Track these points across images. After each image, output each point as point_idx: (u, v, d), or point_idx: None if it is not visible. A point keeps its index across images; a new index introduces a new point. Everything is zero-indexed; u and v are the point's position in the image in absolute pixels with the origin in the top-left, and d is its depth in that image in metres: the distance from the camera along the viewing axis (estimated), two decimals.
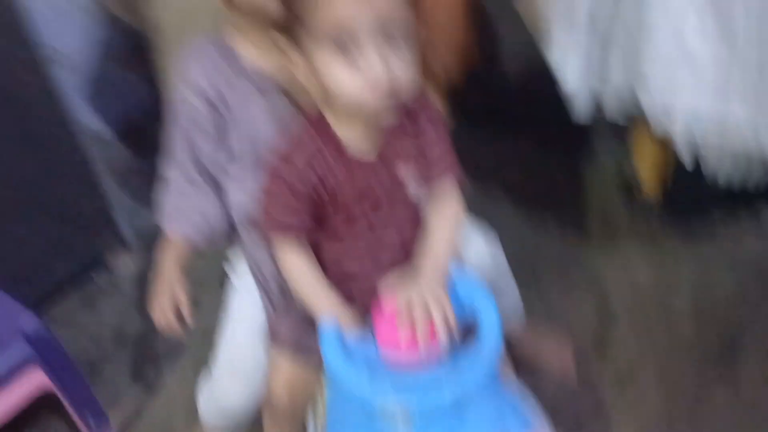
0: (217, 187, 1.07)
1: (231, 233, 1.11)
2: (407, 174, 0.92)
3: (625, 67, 1.47)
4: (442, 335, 0.81)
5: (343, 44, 0.76)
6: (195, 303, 1.13)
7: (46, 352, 1.32)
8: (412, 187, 0.93)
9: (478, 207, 1.17)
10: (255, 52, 1.00)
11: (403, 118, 0.91)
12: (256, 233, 0.98)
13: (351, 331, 0.87)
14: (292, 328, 1.00)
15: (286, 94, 0.99)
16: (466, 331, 0.87)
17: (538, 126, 2.21)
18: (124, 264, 2.01)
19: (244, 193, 1.04)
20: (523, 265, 1.37)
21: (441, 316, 0.82)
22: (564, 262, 1.80)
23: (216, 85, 0.99)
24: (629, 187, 1.93)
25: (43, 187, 1.74)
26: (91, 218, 1.87)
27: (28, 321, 1.31)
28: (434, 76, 2.10)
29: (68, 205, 1.80)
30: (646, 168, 1.83)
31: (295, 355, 1.00)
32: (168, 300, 1.09)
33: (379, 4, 0.75)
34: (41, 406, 1.56)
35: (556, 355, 1.46)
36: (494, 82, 2.23)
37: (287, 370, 1.01)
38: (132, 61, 2.29)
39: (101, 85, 2.28)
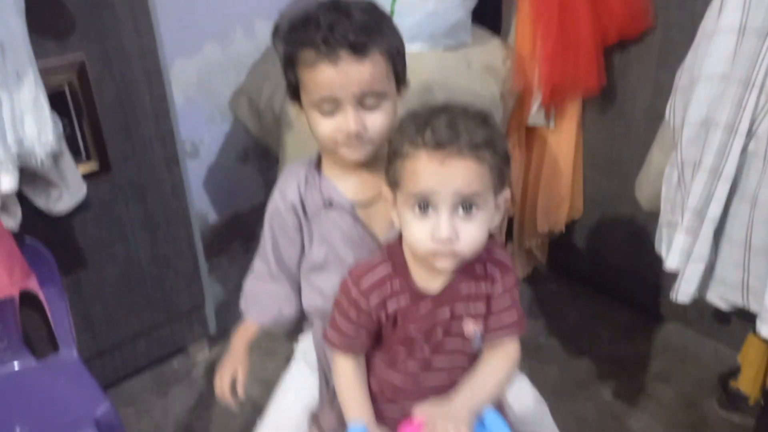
0: (295, 285, 1.20)
1: (303, 323, 1.26)
2: (467, 314, 1.00)
3: (735, 262, 1.42)
4: None
5: (423, 206, 0.90)
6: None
7: None
8: (470, 328, 1.00)
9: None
10: (345, 184, 1.12)
11: (475, 264, 0.99)
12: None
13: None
14: (332, 420, 1.10)
15: (361, 221, 1.12)
16: None
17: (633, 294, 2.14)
18: (204, 354, 2.07)
19: (320, 297, 1.16)
20: None
21: None
22: None
23: (303, 200, 1.13)
24: (725, 383, 1.80)
25: (150, 271, 1.84)
26: (185, 307, 1.95)
27: (103, 408, 1.36)
28: (535, 232, 2.12)
29: (168, 292, 1.90)
30: (750, 368, 1.70)
31: None
32: (228, 372, 1.22)
33: (457, 183, 0.88)
34: None
35: None
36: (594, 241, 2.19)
37: None
38: (252, 162, 2.47)
39: (223, 179, 2.45)
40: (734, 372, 1.79)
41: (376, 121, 0.99)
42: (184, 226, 1.88)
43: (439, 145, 0.87)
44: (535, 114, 1.95)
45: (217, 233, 2.51)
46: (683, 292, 1.48)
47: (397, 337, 1.00)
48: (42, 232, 1.59)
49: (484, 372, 1.00)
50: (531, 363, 1.98)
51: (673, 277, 1.50)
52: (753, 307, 1.43)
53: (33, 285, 1.57)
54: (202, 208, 2.44)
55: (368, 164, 1.09)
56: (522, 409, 1.24)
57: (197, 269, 1.93)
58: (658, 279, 2.02)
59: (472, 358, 1.03)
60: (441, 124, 0.88)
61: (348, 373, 1.03)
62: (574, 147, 2.02)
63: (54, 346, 1.55)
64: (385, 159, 0.96)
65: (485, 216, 0.91)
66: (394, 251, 0.99)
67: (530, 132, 2.06)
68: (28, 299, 1.61)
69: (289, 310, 1.22)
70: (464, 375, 1.01)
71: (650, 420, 1.77)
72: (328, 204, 1.12)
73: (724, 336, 1.95)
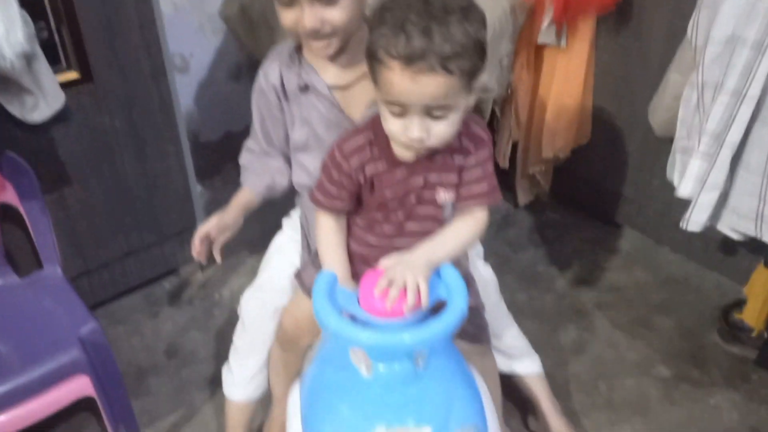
0: (287, 159, 1.30)
1: (291, 195, 1.36)
2: (439, 183, 1.06)
3: (750, 190, 1.35)
4: (410, 299, 0.97)
5: (396, 108, 0.96)
6: None
7: (96, 360, 1.32)
8: (441, 197, 1.07)
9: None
10: (325, 69, 1.19)
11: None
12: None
13: (344, 284, 1.05)
14: (313, 278, 1.15)
15: (338, 104, 1.20)
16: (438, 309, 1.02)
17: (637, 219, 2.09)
18: (196, 277, 2.02)
19: (305, 175, 1.26)
20: None
21: (413, 286, 0.97)
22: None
23: (284, 83, 1.20)
24: (727, 315, 1.78)
25: (138, 189, 1.77)
26: (176, 228, 1.89)
27: (88, 327, 1.31)
28: (540, 159, 2.04)
29: (158, 212, 1.83)
30: (756, 300, 1.67)
31: (308, 299, 1.17)
32: (213, 228, 1.26)
33: (427, 98, 0.93)
34: (78, 405, 1.58)
35: None
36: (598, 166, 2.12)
37: (299, 306, 1.23)
38: (245, 80, 2.35)
39: (215, 97, 2.34)
40: (737, 304, 1.76)
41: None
42: (173, 142, 1.79)
43: (411, 60, 0.89)
44: (545, 31, 1.84)
45: (209, 153, 2.42)
46: (694, 221, 1.42)
47: (374, 201, 1.07)
48: (21, 145, 1.51)
49: (447, 231, 1.08)
50: (529, 291, 1.95)
51: (680, 206, 1.45)
52: (766, 237, 1.38)
53: (11, 197, 1.49)
54: (192, 126, 2.34)
55: (348, 53, 1.15)
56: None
57: (188, 188, 1.86)
58: (663, 208, 1.96)
59: (441, 217, 1.10)
60: (415, 32, 0.89)
61: (328, 231, 1.10)
62: (586, 68, 1.91)
63: (38, 264, 1.50)
64: (364, 47, 0.97)
65: (457, 113, 0.97)
66: (376, 122, 1.04)
67: (540, 51, 1.94)
68: (9, 215, 1.54)
69: (281, 181, 1.31)
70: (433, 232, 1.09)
71: (648, 350, 1.75)
72: (305, 88, 1.19)
73: (728, 268, 1.91)
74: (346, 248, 1.12)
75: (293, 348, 1.29)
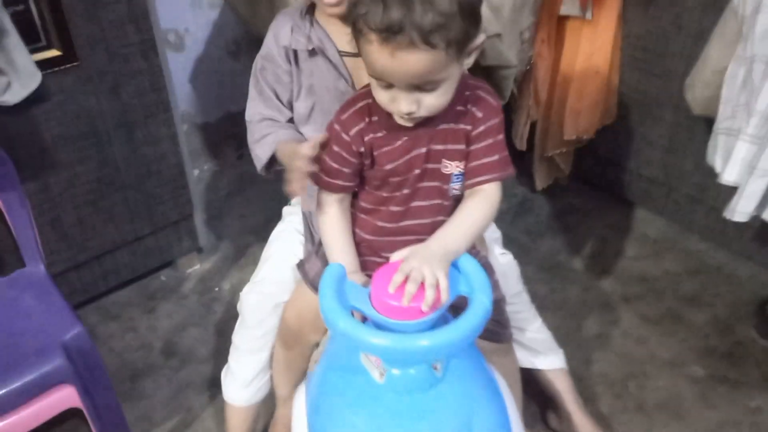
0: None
1: None
2: (445, 153, 0.98)
3: None
4: (428, 296, 0.88)
5: (382, 81, 0.89)
6: None
7: (82, 368, 1.20)
8: (447, 169, 0.99)
9: None
10: (336, 31, 1.10)
11: (456, 103, 0.95)
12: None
13: (352, 277, 0.96)
14: (317, 270, 1.12)
15: (346, 72, 1.12)
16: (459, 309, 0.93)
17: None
18: (194, 268, 1.90)
19: None
20: None
21: (432, 281, 0.88)
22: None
23: (294, 45, 1.12)
24: (765, 309, 1.65)
25: (129, 176, 1.64)
26: (172, 218, 1.76)
27: (73, 332, 1.19)
28: (561, 141, 1.90)
29: (151, 200, 1.70)
30: None
31: (312, 290, 1.11)
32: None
33: (410, 74, 0.85)
34: (66, 412, 1.46)
35: None
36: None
37: (302, 300, 1.15)
38: (243, 56, 2.21)
39: (212, 75, 2.20)
40: None
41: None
42: (166, 125, 1.65)
43: (388, 33, 0.82)
44: (569, 1, 1.69)
45: (206, 136, 2.28)
46: (741, 211, 1.29)
47: (376, 177, 1.00)
48: None
49: (460, 216, 0.98)
50: (550, 283, 1.82)
51: (714, 191, 1.32)
52: None
53: None
54: (188, 108, 2.20)
55: None
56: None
57: (183, 175, 1.73)
58: (695, 192, 1.82)
59: (453, 205, 1.01)
60: (394, 2, 0.81)
61: (332, 217, 1.03)
62: (612, 42, 1.77)
63: (22, 261, 1.38)
64: None
65: (451, 82, 0.89)
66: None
67: (562, 24, 1.79)
68: None
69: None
70: (444, 215, 1.01)
71: (680, 347, 1.62)
72: (317, 51, 1.12)
73: (764, 258, 1.78)
74: (351, 235, 1.04)
75: (297, 346, 1.20)
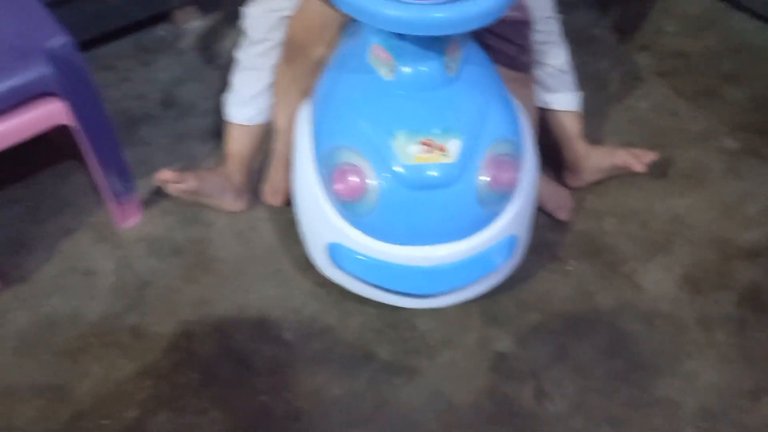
0: None
1: None
2: None
3: None
4: None
5: None
6: None
7: (71, 82, 1.09)
8: None
9: None
10: None
11: None
12: None
13: None
14: None
15: None
16: None
17: None
18: (193, 22, 1.74)
19: None
20: None
21: None
22: None
23: None
24: None
25: None
26: None
27: (58, 41, 1.07)
28: None
29: None
30: None
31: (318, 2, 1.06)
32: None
33: None
34: (63, 152, 1.39)
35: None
36: None
37: (309, 10, 1.09)
38: None
39: None
40: None
41: None
42: None
43: None
44: None
45: None
46: None
47: None
48: None
49: None
50: (582, 56, 1.65)
51: None
52: None
53: None
54: None
55: None
56: None
57: None
58: None
59: None
60: None
61: None
62: None
63: None
64: None
65: None
66: None
67: None
68: None
69: None
70: None
71: (713, 121, 1.52)
72: None
73: None
74: None
75: (301, 59, 1.12)
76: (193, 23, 1.75)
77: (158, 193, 1.34)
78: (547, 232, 1.31)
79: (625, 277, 1.25)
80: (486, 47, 1.09)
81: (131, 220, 1.32)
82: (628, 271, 1.25)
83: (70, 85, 1.08)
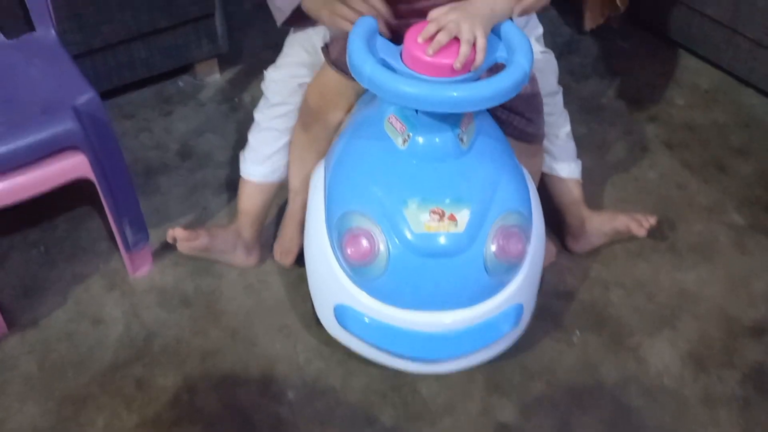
0: None
1: None
2: None
3: None
4: (464, 49, 0.85)
5: None
6: None
7: (94, 136, 1.13)
8: None
9: None
10: None
11: None
12: None
13: (382, 24, 0.93)
14: (339, 49, 1.07)
15: None
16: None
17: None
18: (213, 75, 1.80)
19: None
20: None
21: (469, 36, 0.85)
22: None
23: None
24: None
25: None
26: (191, 12, 1.63)
27: (85, 97, 1.11)
28: None
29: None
30: None
31: (335, 69, 1.08)
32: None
33: None
34: (79, 198, 1.42)
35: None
36: None
37: (325, 78, 1.12)
38: None
39: None
40: None
41: None
42: None
43: None
44: None
45: None
46: None
47: None
48: None
49: None
50: (590, 124, 1.71)
51: None
52: None
53: None
54: None
55: None
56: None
57: None
58: (762, 36, 1.66)
59: None
60: None
61: None
62: None
63: (30, 27, 1.27)
64: None
65: None
66: None
67: None
68: None
69: None
70: None
71: (721, 195, 1.54)
72: None
73: None
74: None
75: (316, 125, 1.15)
76: (214, 76, 1.80)
77: (170, 244, 1.36)
78: (553, 300, 1.31)
79: (630, 351, 1.25)
80: (497, 119, 1.12)
81: (143, 269, 1.34)
82: (634, 345, 1.26)
83: (92, 139, 1.12)
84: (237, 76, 1.82)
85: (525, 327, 1.16)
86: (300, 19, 1.13)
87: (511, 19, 0.96)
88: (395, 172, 1.00)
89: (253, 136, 1.28)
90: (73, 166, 1.12)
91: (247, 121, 1.57)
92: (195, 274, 1.35)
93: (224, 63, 1.81)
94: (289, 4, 1.11)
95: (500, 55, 0.93)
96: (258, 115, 1.27)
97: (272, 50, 1.28)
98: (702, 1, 1.77)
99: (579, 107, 1.76)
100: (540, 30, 1.28)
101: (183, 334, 1.26)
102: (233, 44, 1.80)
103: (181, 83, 1.78)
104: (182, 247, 1.24)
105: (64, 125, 1.08)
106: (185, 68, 1.77)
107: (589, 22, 1.91)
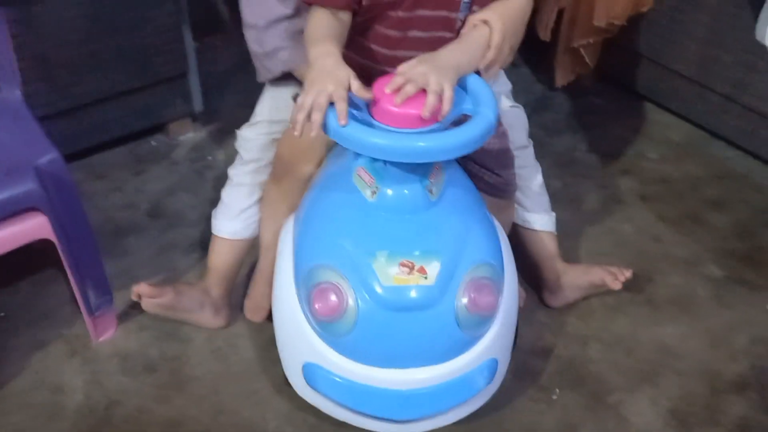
0: None
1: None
2: None
3: None
4: (430, 100, 0.85)
5: None
6: None
7: (56, 197, 1.10)
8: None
9: None
10: None
11: None
12: None
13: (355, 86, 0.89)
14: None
15: None
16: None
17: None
18: (187, 134, 1.79)
19: None
20: None
21: (436, 88, 0.85)
22: None
23: None
24: None
25: (121, 20, 1.51)
26: (165, 72, 1.64)
27: (47, 158, 1.09)
28: (589, 28, 1.75)
29: (143, 48, 1.57)
30: None
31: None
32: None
33: None
34: (44, 261, 1.38)
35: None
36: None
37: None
38: None
39: None
40: None
41: None
42: None
43: None
44: None
45: (208, 5, 2.14)
46: None
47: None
48: None
49: (476, 34, 0.95)
50: (564, 178, 1.71)
51: (749, 87, 1.20)
52: None
53: None
54: None
55: None
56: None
57: (179, 24, 1.60)
58: (730, 90, 1.69)
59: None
60: None
61: (322, 24, 0.95)
62: None
63: None
64: None
65: None
66: None
67: None
68: None
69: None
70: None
71: (696, 246, 1.53)
72: None
73: None
74: (342, 44, 0.95)
75: (288, 178, 1.14)
76: (188, 135, 1.80)
77: (136, 307, 1.31)
78: (531, 358, 1.28)
79: (611, 409, 1.20)
80: (469, 173, 1.11)
81: (106, 334, 1.29)
82: (614, 403, 1.21)
83: (54, 200, 1.09)
84: (211, 135, 1.81)
85: (500, 383, 1.13)
86: (283, 77, 1.15)
87: (478, 73, 0.97)
88: (364, 224, 0.99)
89: (226, 192, 1.27)
90: (33, 227, 1.09)
91: (221, 180, 1.56)
92: (161, 338, 1.30)
93: (199, 122, 1.81)
94: (281, 67, 1.13)
95: (466, 107, 0.93)
96: (231, 171, 1.27)
97: (248, 109, 1.28)
98: (669, 57, 1.81)
99: (553, 162, 1.76)
100: (509, 86, 1.30)
101: (146, 403, 1.20)
102: (208, 103, 1.81)
103: (154, 142, 1.77)
104: (147, 304, 1.20)
105: (25, 186, 1.06)
106: (159, 127, 1.77)
107: (560, 79, 1.94)
